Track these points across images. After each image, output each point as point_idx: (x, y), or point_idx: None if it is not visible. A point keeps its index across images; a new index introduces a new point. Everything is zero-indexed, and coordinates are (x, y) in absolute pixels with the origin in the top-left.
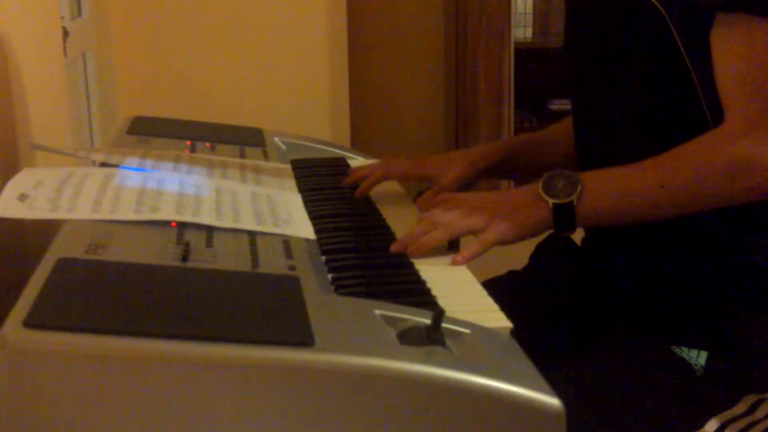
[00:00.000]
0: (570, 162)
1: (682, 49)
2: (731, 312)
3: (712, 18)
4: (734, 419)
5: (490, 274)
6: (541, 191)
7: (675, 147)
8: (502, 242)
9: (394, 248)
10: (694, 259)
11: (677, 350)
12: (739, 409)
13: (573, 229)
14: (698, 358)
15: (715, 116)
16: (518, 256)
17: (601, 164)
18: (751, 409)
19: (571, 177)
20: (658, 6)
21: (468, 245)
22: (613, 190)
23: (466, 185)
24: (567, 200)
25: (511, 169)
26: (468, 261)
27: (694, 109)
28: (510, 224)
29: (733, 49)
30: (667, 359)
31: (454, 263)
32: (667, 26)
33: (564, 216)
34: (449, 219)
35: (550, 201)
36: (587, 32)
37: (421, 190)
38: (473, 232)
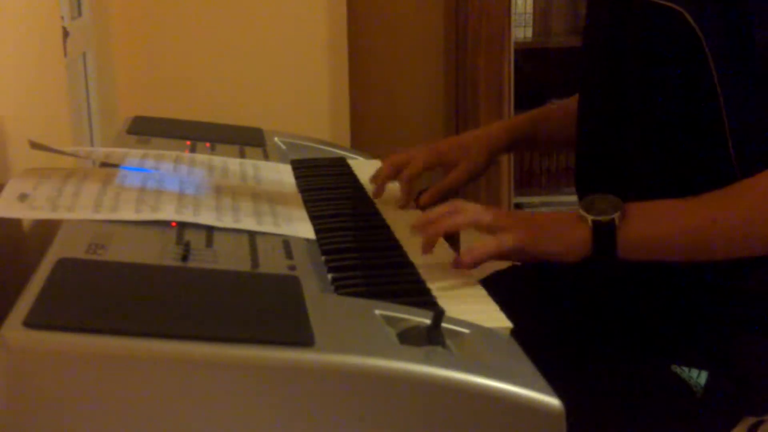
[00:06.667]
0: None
1: (711, 62)
2: (731, 333)
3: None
4: None
5: (491, 269)
6: (580, 210)
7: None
8: (520, 251)
9: (413, 228)
10: (695, 279)
11: (677, 369)
12: (738, 431)
13: (613, 254)
14: (698, 378)
15: (735, 126)
16: None
17: (601, 162)
18: None
19: (613, 200)
20: (689, 18)
21: (478, 244)
22: (659, 219)
23: (483, 170)
24: (608, 218)
25: (526, 146)
26: (472, 263)
27: (713, 118)
28: (535, 235)
29: None
30: (667, 378)
31: (457, 264)
32: (695, 36)
33: (604, 236)
34: (475, 209)
35: (590, 218)
36: (603, 29)
37: (421, 190)
38: (493, 230)
